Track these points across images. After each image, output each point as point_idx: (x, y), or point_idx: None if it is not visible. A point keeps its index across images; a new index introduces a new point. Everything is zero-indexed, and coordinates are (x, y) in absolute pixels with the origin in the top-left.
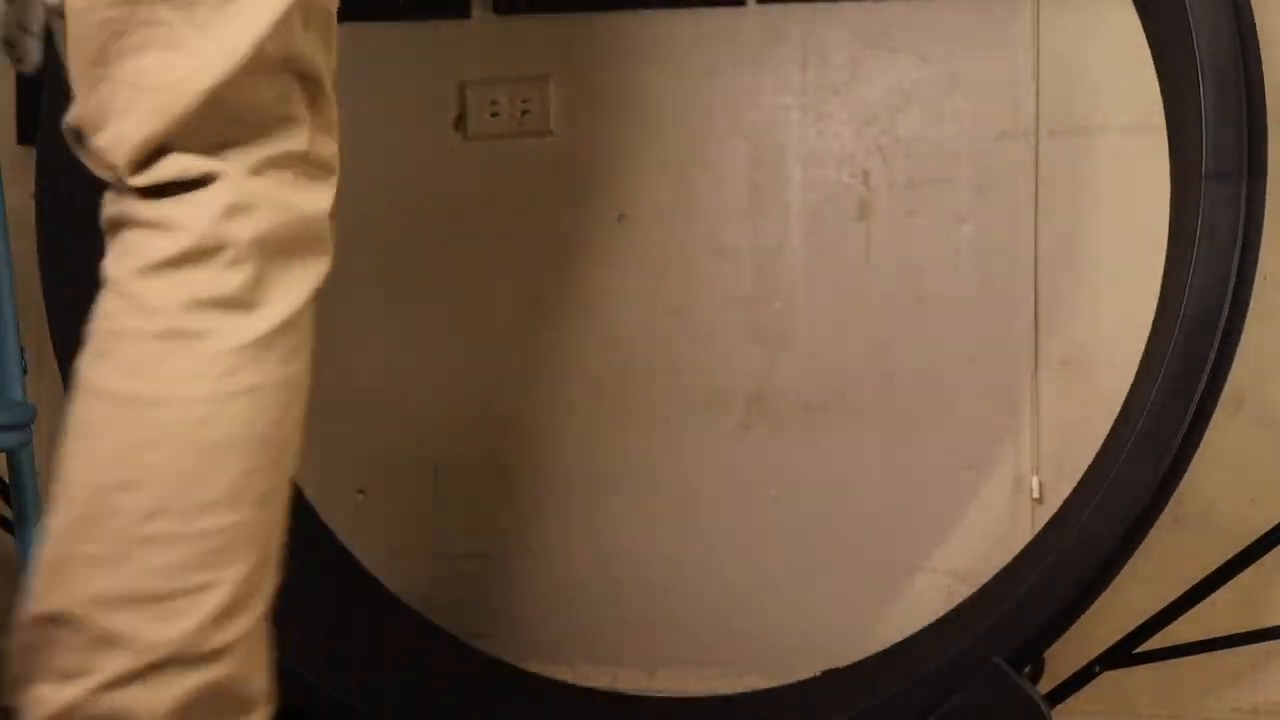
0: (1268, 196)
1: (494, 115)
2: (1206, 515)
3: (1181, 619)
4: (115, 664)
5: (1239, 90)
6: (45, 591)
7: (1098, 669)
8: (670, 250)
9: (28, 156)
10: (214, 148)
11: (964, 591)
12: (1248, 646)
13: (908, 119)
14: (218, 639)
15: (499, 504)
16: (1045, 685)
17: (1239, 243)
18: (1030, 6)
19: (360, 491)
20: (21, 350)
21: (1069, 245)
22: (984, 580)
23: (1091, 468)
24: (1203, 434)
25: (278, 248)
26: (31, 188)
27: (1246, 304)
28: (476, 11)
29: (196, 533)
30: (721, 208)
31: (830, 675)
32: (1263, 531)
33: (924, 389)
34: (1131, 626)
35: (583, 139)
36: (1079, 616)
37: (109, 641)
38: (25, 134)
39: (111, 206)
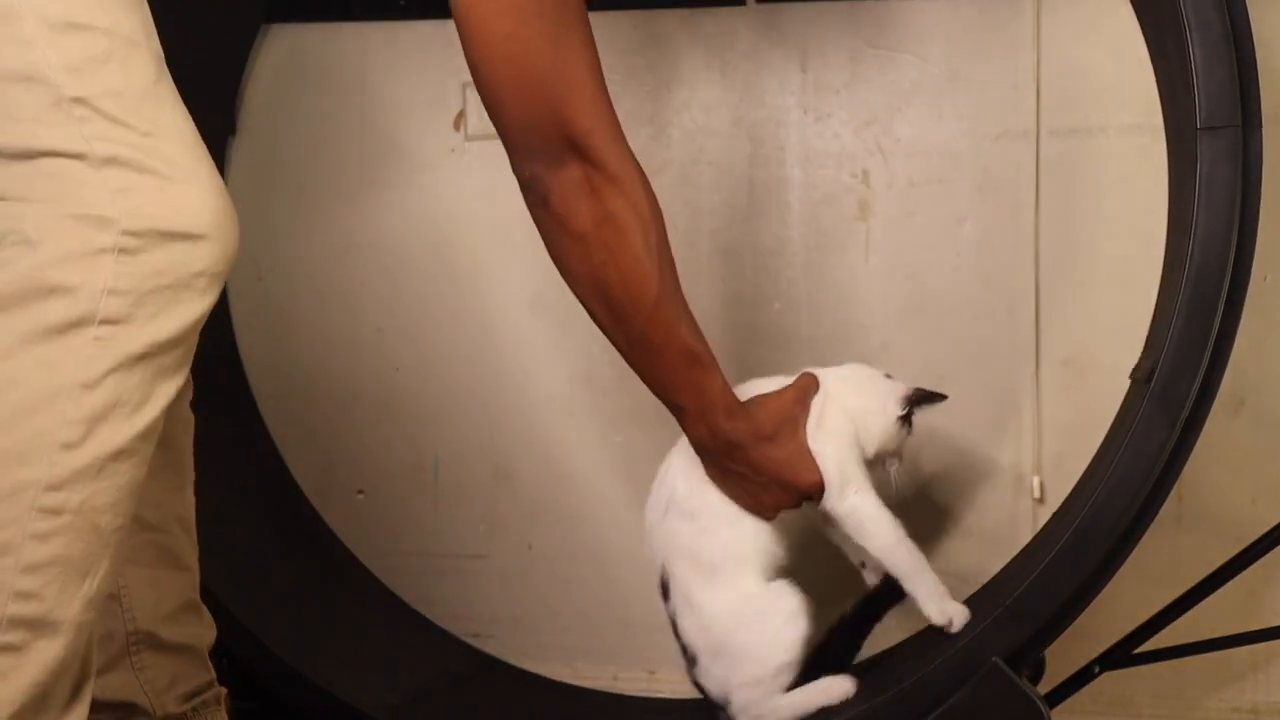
0: (1263, 197)
1: None
2: (1207, 515)
3: (1182, 619)
4: None
5: (1234, 90)
6: None
7: (1097, 669)
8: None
9: None
10: None
11: (964, 591)
12: (1248, 646)
13: (908, 119)
14: None
15: (499, 504)
16: (1045, 685)
17: (1234, 243)
18: (1030, 6)
19: (360, 491)
20: None
21: (1069, 245)
22: (984, 580)
23: (1090, 467)
24: (1199, 433)
25: None
26: None
27: (1241, 304)
28: None
29: None
30: (721, 208)
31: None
32: (1263, 531)
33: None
34: (1131, 626)
35: None
36: (1077, 616)
37: None
38: None
39: None
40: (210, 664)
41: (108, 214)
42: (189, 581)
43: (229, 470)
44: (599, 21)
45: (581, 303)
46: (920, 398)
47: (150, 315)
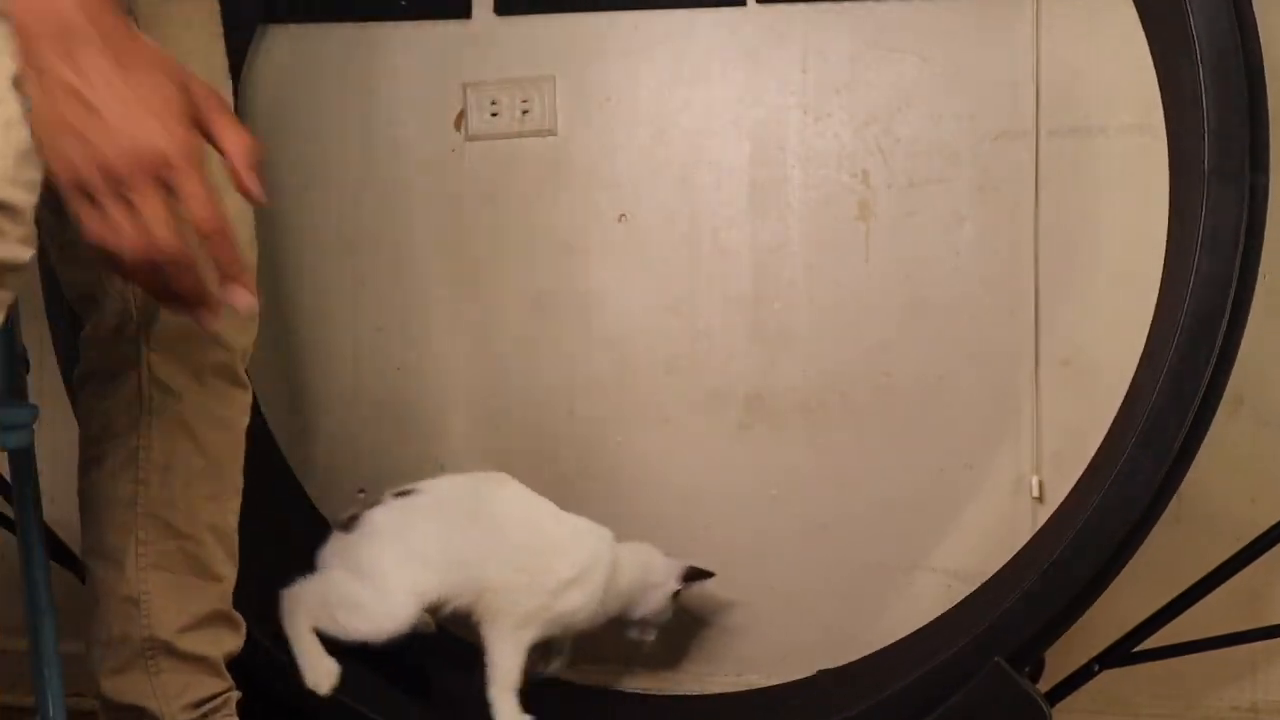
0: (1270, 195)
1: (494, 115)
2: (1206, 515)
3: (1182, 618)
4: None
5: (1240, 88)
6: None
7: (1097, 668)
8: (670, 250)
9: None
10: None
11: (964, 591)
12: (1248, 645)
13: (908, 119)
14: None
15: None
16: (1045, 684)
17: (1241, 242)
18: (1030, 6)
19: (360, 491)
20: (24, 350)
21: (1069, 245)
22: (984, 580)
23: (1091, 467)
24: (1204, 434)
25: None
26: None
27: (1248, 304)
28: (477, 12)
29: None
30: (721, 208)
31: (830, 675)
32: (1262, 530)
33: (924, 389)
34: (1131, 625)
35: (583, 139)
36: (1079, 616)
37: None
38: None
39: None
40: (226, 673)
41: None
42: (218, 592)
43: None
44: (603, 22)
45: None
46: (694, 575)
47: None
